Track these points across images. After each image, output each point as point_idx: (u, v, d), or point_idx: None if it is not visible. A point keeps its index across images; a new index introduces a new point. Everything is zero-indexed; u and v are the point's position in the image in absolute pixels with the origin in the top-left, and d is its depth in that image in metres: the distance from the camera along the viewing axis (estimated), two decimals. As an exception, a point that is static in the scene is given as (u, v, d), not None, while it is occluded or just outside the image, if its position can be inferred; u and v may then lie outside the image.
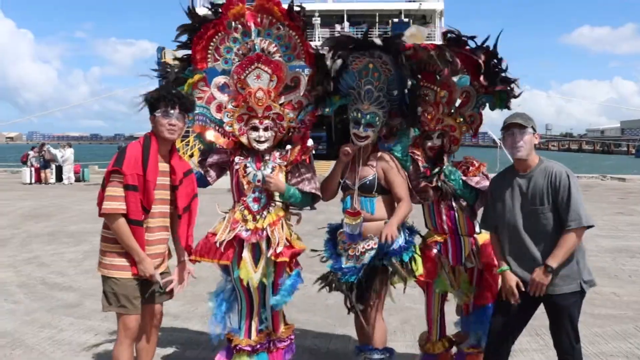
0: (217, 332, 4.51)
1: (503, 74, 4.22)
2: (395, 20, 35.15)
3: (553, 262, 3.60)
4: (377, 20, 36.15)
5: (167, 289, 4.04)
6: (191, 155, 24.55)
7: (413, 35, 4.26)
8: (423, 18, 38.47)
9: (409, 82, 4.14)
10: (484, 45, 4.17)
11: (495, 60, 4.19)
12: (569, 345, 3.75)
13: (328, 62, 4.21)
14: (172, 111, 3.87)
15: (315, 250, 4.54)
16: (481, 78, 4.22)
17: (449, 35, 4.25)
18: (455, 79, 4.46)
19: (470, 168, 4.40)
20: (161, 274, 3.96)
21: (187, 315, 6.47)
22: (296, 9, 4.35)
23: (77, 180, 26.32)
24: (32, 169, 25.60)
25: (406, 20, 35.29)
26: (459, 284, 4.50)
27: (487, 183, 4.28)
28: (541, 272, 3.64)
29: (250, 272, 4.25)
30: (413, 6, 37.36)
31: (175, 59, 4.59)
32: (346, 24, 35.26)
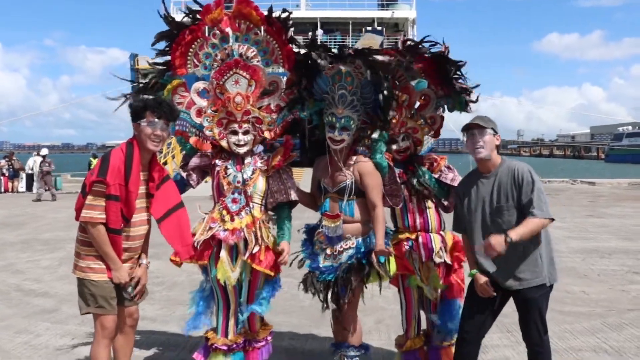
0: (191, 329, 4.57)
1: (460, 80, 4.44)
2: (369, 28, 35.37)
3: (513, 234, 3.61)
4: (350, 28, 36.35)
5: (136, 293, 4.05)
6: (164, 164, 24.44)
7: (367, 43, 4.37)
8: (396, 26, 38.78)
9: (385, 85, 4.21)
10: (442, 52, 4.38)
11: (452, 67, 4.39)
12: (538, 336, 3.88)
13: (319, 61, 4.22)
14: (158, 121, 3.88)
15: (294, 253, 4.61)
16: (440, 84, 4.39)
17: (407, 43, 4.43)
18: (413, 83, 4.58)
19: (434, 164, 4.58)
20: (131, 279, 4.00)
21: (164, 318, 6.50)
22: (275, 14, 4.45)
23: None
24: (1, 178, 25.28)
25: (379, 28, 35.54)
26: (429, 280, 4.60)
27: (458, 177, 4.46)
28: (500, 238, 3.63)
29: (228, 272, 4.31)
30: (386, 14, 37.59)
31: (155, 63, 4.64)
32: (320, 31, 35.36)
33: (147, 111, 3.88)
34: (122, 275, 3.88)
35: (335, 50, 4.25)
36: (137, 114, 3.91)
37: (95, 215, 3.75)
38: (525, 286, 3.81)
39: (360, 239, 4.34)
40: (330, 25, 37.25)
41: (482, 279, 3.88)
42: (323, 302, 4.41)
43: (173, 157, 26.32)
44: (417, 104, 4.67)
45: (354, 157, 4.38)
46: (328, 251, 4.36)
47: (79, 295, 3.94)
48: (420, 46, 4.40)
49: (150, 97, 4.05)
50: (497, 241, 3.63)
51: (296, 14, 36.20)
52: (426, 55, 4.42)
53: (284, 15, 4.51)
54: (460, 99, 4.57)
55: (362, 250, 4.32)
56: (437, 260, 4.52)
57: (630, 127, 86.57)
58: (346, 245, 4.32)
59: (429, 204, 4.57)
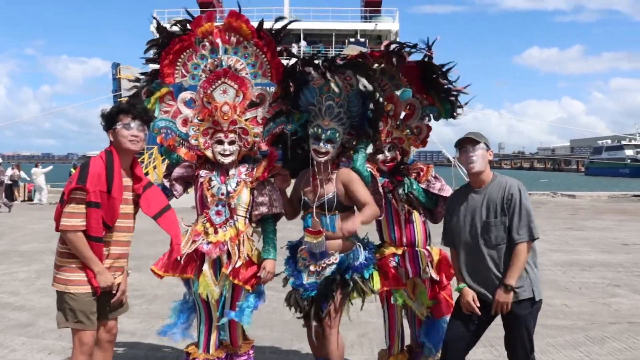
0: (165, 334, 4.58)
1: (447, 84, 4.37)
2: (352, 39, 35.56)
3: (511, 280, 3.71)
4: (333, 39, 36.55)
5: (115, 300, 3.97)
6: (146, 174, 24.21)
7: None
8: (379, 38, 39.01)
9: (377, 96, 4.17)
10: (426, 57, 4.31)
11: (438, 71, 4.32)
12: (524, 355, 3.83)
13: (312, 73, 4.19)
14: (132, 123, 3.85)
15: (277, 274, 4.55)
16: (425, 88, 4.36)
17: (391, 47, 4.37)
18: (397, 92, 4.55)
19: (421, 173, 4.53)
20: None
21: (143, 332, 6.40)
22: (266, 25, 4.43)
23: (29, 199, 25.68)
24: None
25: (362, 40, 35.74)
26: (417, 296, 4.56)
27: (445, 186, 4.44)
28: (502, 292, 3.73)
29: (210, 285, 4.26)
30: (369, 26, 37.89)
31: (142, 73, 4.60)
32: (303, 43, 35.50)
33: (121, 114, 3.86)
34: (106, 278, 3.79)
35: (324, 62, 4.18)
36: (111, 120, 3.89)
37: (76, 223, 3.69)
38: (513, 299, 3.77)
39: (343, 255, 4.30)
40: (313, 37, 37.42)
41: (470, 294, 3.85)
42: (307, 318, 4.36)
43: (154, 167, 26.15)
44: (403, 114, 4.63)
45: (338, 170, 4.33)
46: (312, 268, 4.31)
47: (57, 309, 3.85)
48: (404, 50, 4.32)
49: (123, 102, 4.05)
50: (502, 297, 3.74)
51: (280, 25, 36.37)
52: (410, 60, 4.33)
53: (276, 26, 4.48)
54: (445, 107, 4.52)
55: (345, 265, 4.28)
56: (424, 276, 4.49)
57: (609, 141, 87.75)
58: (329, 261, 4.27)
59: (415, 216, 4.52)
